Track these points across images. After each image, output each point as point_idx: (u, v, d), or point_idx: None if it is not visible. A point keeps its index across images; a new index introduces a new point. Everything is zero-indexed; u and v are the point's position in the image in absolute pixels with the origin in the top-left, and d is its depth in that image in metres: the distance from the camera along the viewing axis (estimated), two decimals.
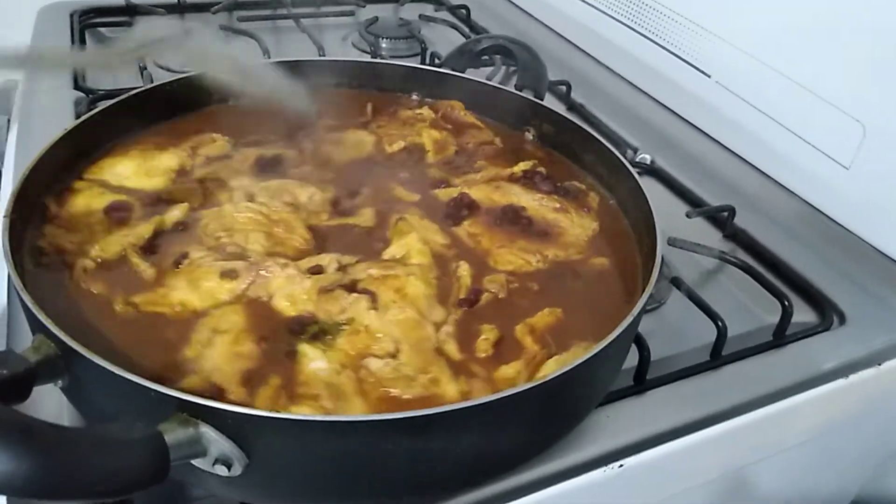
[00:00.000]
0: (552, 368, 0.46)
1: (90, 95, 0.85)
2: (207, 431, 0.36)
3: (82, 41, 0.99)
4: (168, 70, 0.96)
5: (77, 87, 0.88)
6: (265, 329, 0.47)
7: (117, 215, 0.56)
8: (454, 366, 0.47)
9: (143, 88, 0.67)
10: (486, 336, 0.49)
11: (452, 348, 0.48)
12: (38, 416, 0.49)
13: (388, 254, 0.55)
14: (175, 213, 0.56)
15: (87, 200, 0.57)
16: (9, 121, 0.89)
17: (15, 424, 0.29)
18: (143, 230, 0.54)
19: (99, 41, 1.04)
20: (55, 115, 0.82)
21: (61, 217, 0.55)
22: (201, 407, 0.36)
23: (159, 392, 0.36)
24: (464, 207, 0.61)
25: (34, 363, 0.38)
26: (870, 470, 0.76)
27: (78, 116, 0.77)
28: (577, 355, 0.43)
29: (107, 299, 0.49)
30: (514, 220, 0.60)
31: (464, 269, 0.54)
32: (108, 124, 0.63)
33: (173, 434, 0.35)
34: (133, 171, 0.61)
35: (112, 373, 0.36)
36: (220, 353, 0.45)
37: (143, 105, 0.66)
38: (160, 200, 0.58)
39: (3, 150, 0.83)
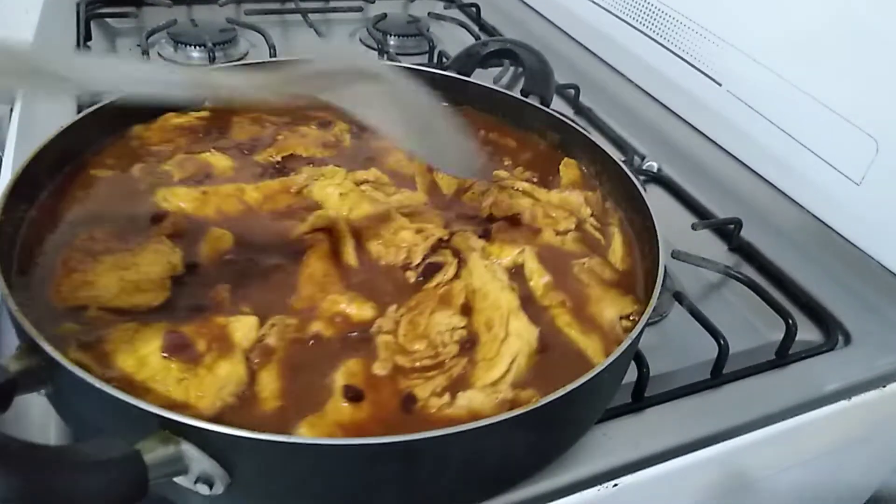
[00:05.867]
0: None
1: None
2: (189, 449, 0.35)
3: (87, 32, 0.98)
4: (173, 62, 0.96)
5: None
6: None
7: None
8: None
9: None
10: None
11: None
12: (25, 425, 0.49)
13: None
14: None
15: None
16: (11, 110, 0.88)
17: None
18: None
19: (105, 32, 1.03)
20: (58, 105, 0.81)
21: None
22: (183, 425, 0.35)
23: (140, 409, 0.35)
24: None
25: (14, 373, 0.37)
26: (870, 494, 0.75)
27: (80, 109, 0.76)
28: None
29: None
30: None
31: None
32: (111, 117, 0.62)
33: (153, 453, 0.34)
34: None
35: (93, 386, 0.36)
36: None
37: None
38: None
39: (4, 140, 0.83)
